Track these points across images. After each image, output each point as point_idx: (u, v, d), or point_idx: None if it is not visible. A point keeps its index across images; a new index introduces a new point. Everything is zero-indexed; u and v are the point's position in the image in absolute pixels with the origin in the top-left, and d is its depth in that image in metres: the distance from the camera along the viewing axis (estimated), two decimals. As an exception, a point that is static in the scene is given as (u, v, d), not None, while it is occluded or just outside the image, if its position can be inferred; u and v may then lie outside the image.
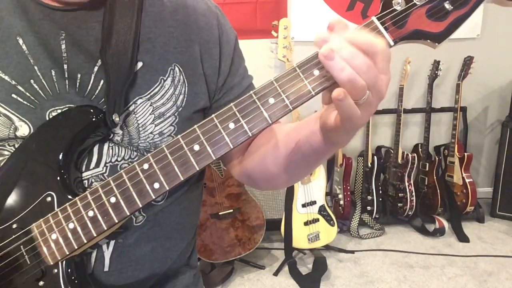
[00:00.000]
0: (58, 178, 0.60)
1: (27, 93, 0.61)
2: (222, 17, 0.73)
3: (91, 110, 0.61)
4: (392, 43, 0.50)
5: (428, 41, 0.52)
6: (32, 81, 0.61)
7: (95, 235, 0.57)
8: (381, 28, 0.50)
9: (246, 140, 0.53)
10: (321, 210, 2.32)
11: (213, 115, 0.53)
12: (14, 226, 0.60)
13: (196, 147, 0.53)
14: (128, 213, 0.56)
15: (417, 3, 0.50)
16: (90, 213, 0.57)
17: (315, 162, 0.64)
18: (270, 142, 0.68)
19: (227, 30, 0.73)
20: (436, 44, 0.52)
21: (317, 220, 2.30)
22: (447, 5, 0.50)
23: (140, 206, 0.56)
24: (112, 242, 0.67)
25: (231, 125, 0.52)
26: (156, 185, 0.55)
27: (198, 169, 0.54)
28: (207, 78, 0.70)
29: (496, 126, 2.95)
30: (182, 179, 0.54)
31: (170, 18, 0.68)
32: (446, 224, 2.61)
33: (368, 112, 0.49)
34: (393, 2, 0.50)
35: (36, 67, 0.61)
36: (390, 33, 0.50)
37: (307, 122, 0.59)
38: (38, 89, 0.61)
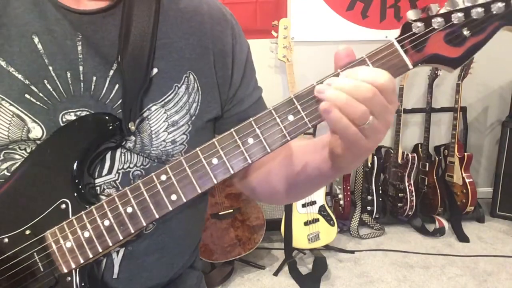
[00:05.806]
0: (73, 185, 0.59)
1: (41, 94, 0.59)
2: (237, 27, 0.73)
3: (107, 118, 0.60)
4: (411, 67, 0.51)
5: (445, 66, 0.53)
6: (45, 81, 0.59)
7: (110, 244, 0.57)
8: (401, 51, 0.51)
9: (264, 156, 0.53)
10: (321, 210, 2.32)
11: (232, 130, 0.53)
12: (27, 232, 0.59)
13: (215, 161, 0.54)
14: (144, 224, 0.56)
15: (436, 27, 0.51)
16: (106, 223, 0.57)
17: (320, 184, 0.66)
18: (276, 159, 0.69)
19: (241, 40, 0.73)
20: (452, 69, 0.53)
21: (317, 220, 2.30)
22: (465, 32, 0.51)
23: (157, 217, 0.56)
24: (121, 250, 0.66)
25: (250, 141, 0.53)
26: (174, 197, 0.55)
27: (216, 182, 0.54)
28: (220, 87, 0.70)
29: (496, 126, 2.96)
30: (199, 191, 0.54)
31: (186, 24, 0.67)
32: (446, 224, 2.62)
33: (375, 139, 0.50)
34: (412, 25, 0.51)
35: (50, 68, 0.60)
36: (409, 56, 0.51)
37: (315, 147, 0.61)
38: (51, 90, 0.60)
